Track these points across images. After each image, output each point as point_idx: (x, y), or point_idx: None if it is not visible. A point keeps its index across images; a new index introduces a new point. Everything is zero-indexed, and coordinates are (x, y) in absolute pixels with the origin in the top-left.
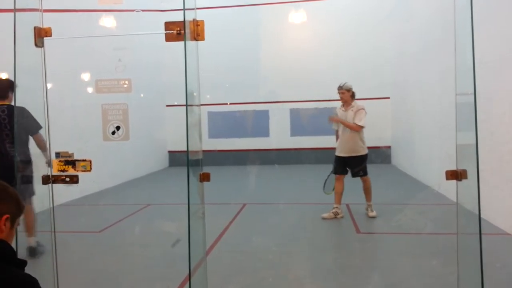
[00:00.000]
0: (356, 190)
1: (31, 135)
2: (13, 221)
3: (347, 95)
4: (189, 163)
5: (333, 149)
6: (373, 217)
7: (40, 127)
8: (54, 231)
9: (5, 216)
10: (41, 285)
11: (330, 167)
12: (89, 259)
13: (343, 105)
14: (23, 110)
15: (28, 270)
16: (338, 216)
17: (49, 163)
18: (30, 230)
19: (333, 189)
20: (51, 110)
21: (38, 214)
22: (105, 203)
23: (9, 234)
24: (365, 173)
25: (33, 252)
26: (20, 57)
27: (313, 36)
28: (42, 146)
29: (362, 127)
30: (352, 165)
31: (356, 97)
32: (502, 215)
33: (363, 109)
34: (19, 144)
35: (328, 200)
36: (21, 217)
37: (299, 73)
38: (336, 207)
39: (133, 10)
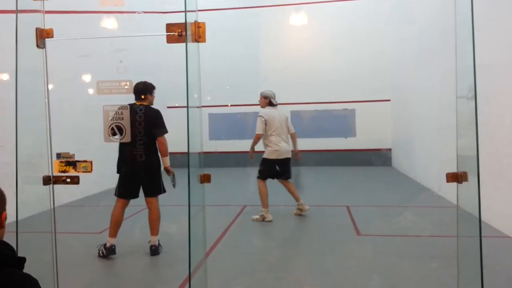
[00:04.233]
0: (356, 192)
1: (156, 137)
2: (5, 218)
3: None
4: (189, 164)
5: (335, 151)
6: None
7: (166, 132)
8: (55, 232)
9: (4, 213)
10: (41, 285)
11: (330, 169)
12: (89, 260)
13: None
14: (157, 112)
15: (28, 270)
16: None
17: (167, 170)
18: (154, 228)
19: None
20: (52, 111)
21: (38, 215)
22: (105, 204)
23: (4, 231)
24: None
25: (156, 251)
26: (22, 58)
27: (314, 38)
28: (162, 150)
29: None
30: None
31: (357, 99)
32: (502, 218)
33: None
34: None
35: (330, 203)
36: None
37: (299, 75)
38: (298, 204)
39: (134, 12)
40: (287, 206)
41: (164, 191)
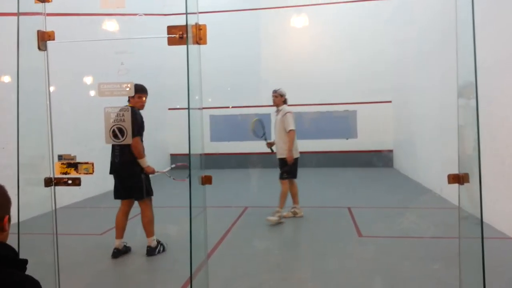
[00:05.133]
0: (358, 193)
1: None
2: (9, 221)
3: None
4: (191, 166)
5: (336, 152)
6: (268, 221)
7: (137, 135)
8: (56, 233)
9: (7, 217)
10: (42, 287)
11: (332, 171)
12: (90, 261)
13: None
14: (134, 114)
15: (30, 272)
16: (297, 216)
17: (147, 171)
18: (147, 231)
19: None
20: (54, 113)
21: (39, 217)
22: (107, 205)
23: (7, 234)
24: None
25: (151, 251)
26: (23, 61)
27: (315, 40)
28: (134, 152)
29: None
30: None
31: (358, 101)
32: (504, 219)
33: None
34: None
35: (331, 204)
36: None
37: (300, 77)
38: (294, 207)
39: (135, 14)
40: (288, 208)
41: (148, 195)
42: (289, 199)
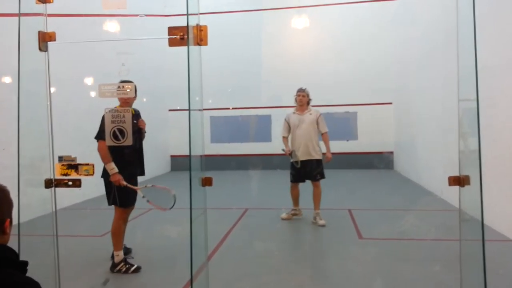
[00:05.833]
0: (358, 195)
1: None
2: (11, 224)
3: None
4: (191, 167)
5: (336, 154)
6: (323, 226)
7: (99, 137)
8: (57, 235)
9: (8, 220)
10: None
11: (332, 172)
12: (90, 263)
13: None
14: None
15: (30, 273)
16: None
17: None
18: (112, 240)
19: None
20: (55, 114)
21: (40, 218)
22: (107, 207)
23: (8, 237)
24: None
25: (113, 267)
26: (24, 61)
27: (316, 41)
28: (100, 155)
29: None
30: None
31: (359, 102)
32: (505, 221)
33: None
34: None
35: (332, 206)
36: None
37: (301, 78)
38: (295, 209)
39: (137, 15)
40: (288, 209)
41: (119, 204)
42: (290, 200)
